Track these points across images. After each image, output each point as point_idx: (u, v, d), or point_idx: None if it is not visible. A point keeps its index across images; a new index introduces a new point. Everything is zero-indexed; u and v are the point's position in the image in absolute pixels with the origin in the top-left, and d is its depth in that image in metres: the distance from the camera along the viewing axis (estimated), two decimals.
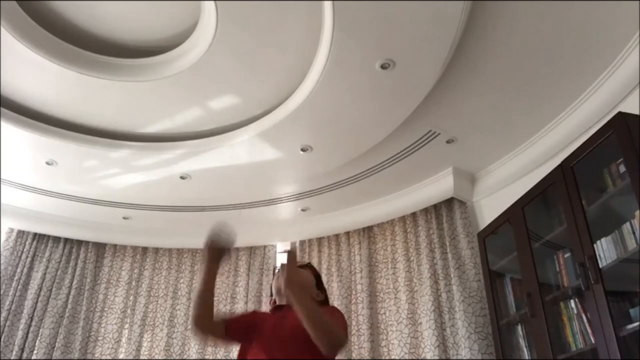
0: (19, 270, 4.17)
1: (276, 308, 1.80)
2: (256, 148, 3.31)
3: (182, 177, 3.67)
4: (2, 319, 3.92)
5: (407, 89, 2.75)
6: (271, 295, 1.93)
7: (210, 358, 4.12)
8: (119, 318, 4.29)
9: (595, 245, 2.27)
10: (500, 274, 3.10)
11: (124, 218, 4.30)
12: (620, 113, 2.28)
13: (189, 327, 4.28)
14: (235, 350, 4.14)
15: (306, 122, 3.04)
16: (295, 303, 1.49)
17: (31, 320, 4.02)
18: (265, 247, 4.53)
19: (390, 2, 2.22)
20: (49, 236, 4.41)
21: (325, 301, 1.88)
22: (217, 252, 1.74)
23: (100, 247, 4.58)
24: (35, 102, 3.15)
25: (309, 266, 1.94)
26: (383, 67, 2.57)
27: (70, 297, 4.23)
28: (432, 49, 2.47)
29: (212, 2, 2.38)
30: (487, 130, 3.17)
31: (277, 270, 1.95)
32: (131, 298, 4.40)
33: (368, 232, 4.10)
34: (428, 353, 3.30)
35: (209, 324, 1.69)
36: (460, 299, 3.23)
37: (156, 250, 4.66)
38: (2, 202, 4.02)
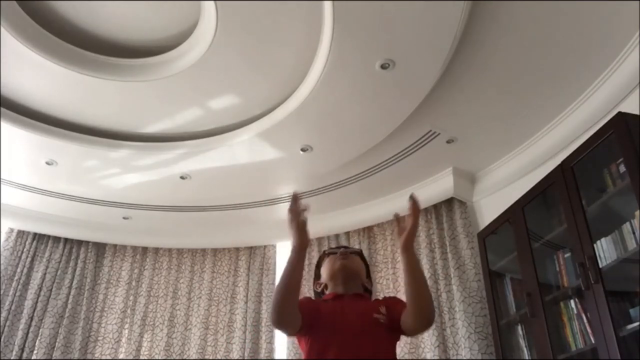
0: (19, 270, 4.17)
1: (338, 297, 1.64)
2: (256, 148, 3.31)
3: (182, 177, 3.67)
4: (2, 319, 3.92)
5: (407, 89, 2.75)
6: (316, 277, 1.79)
7: (210, 358, 4.13)
8: (119, 318, 4.29)
9: (595, 245, 2.27)
10: (500, 274, 3.10)
11: (124, 218, 4.30)
12: (620, 113, 2.28)
13: (188, 327, 4.29)
14: (232, 349, 4.09)
15: (306, 122, 3.04)
16: (416, 264, 1.50)
17: (31, 320, 4.02)
18: (265, 247, 4.53)
19: (390, 2, 2.22)
20: (49, 236, 4.40)
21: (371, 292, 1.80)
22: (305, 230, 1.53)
23: (100, 247, 4.58)
24: (35, 102, 3.15)
25: (360, 254, 1.84)
26: (383, 67, 2.57)
27: (70, 297, 4.23)
28: (432, 49, 2.47)
29: (212, 2, 2.38)
30: (487, 130, 3.17)
31: (330, 253, 1.75)
32: (131, 298, 4.40)
33: (368, 232, 4.10)
34: (428, 353, 3.30)
35: (295, 313, 1.48)
36: (460, 299, 3.23)
37: (156, 250, 4.66)
38: (2, 202, 4.02)
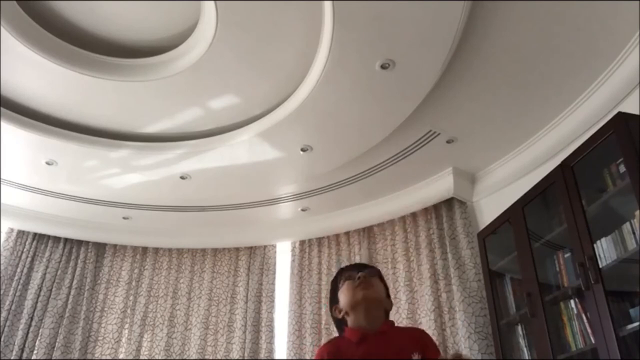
0: (19, 270, 4.17)
1: (362, 339, 1.46)
2: (256, 148, 3.31)
3: (182, 177, 3.67)
4: (2, 319, 3.92)
5: (407, 89, 2.75)
6: (333, 301, 1.61)
7: (210, 358, 4.13)
8: (119, 318, 4.29)
9: (595, 245, 2.27)
10: (500, 274, 3.10)
11: (124, 218, 4.30)
12: (620, 113, 2.28)
13: (188, 327, 4.29)
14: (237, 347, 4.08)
15: (306, 122, 3.04)
16: None
17: (31, 320, 4.02)
18: (265, 247, 4.53)
19: (390, 2, 2.22)
20: (49, 236, 4.40)
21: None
22: None
23: (100, 247, 4.57)
24: (35, 102, 3.15)
25: (379, 274, 1.66)
26: (383, 67, 2.57)
27: (70, 297, 4.23)
28: (432, 49, 2.47)
29: (212, 2, 2.38)
30: (487, 131, 3.17)
31: (348, 277, 1.58)
32: (131, 298, 4.40)
33: (368, 232, 4.09)
34: None
35: None
36: (460, 299, 3.23)
37: (156, 250, 4.65)
38: (2, 202, 4.02)
